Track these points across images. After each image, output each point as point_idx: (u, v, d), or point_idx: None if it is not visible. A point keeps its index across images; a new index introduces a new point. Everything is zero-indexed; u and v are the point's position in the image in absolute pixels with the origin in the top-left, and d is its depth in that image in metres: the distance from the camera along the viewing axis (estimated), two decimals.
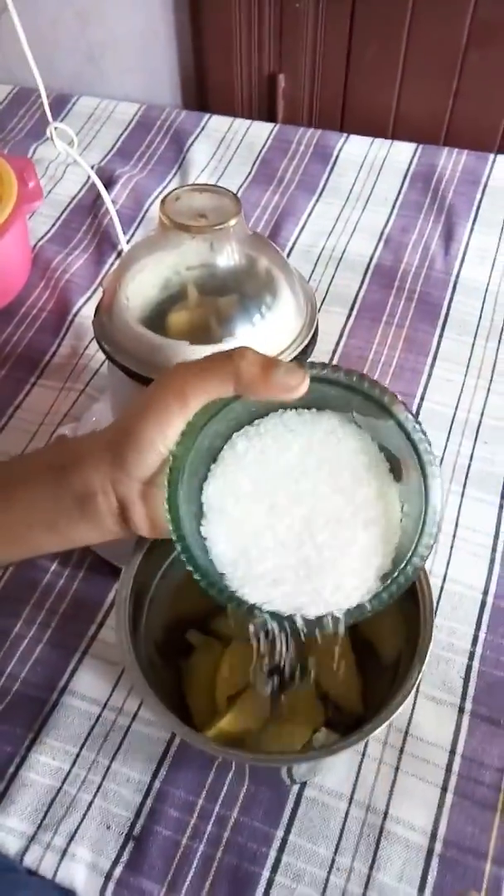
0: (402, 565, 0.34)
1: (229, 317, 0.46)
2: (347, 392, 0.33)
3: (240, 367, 0.32)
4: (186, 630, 0.46)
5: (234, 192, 0.86)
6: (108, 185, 0.86)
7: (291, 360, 0.33)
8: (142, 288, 0.46)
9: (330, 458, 0.35)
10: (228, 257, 0.45)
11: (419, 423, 0.34)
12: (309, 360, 0.38)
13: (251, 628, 0.35)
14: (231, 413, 0.34)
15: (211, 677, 0.44)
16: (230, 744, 0.38)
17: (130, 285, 0.46)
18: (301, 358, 0.48)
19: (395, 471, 0.36)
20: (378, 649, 0.43)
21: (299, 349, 0.47)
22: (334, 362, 0.72)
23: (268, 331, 0.46)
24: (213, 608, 0.47)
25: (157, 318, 0.46)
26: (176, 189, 0.44)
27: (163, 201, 0.43)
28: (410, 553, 0.34)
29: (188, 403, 0.32)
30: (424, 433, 0.34)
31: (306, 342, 0.48)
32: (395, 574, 0.34)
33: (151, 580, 0.40)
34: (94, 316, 0.48)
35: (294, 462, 0.35)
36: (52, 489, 0.34)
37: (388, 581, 0.34)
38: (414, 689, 0.48)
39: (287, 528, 0.34)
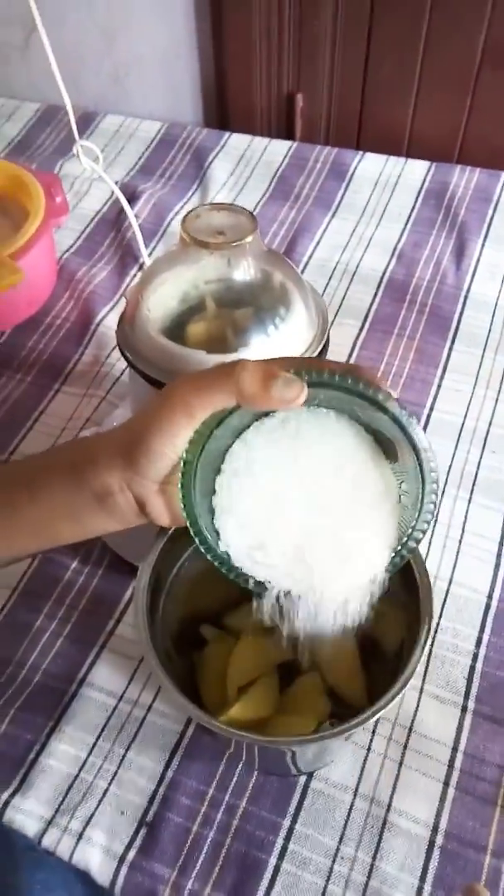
0: (405, 540, 0.37)
1: (245, 328, 0.48)
2: (343, 393, 0.36)
3: (241, 382, 0.34)
4: (200, 625, 0.48)
5: (252, 207, 0.90)
6: (132, 200, 0.89)
7: (291, 368, 0.34)
8: (162, 300, 0.49)
9: (331, 451, 0.37)
10: (244, 272, 0.48)
11: (413, 417, 0.36)
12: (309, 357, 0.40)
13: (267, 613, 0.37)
14: (237, 417, 0.36)
15: (222, 669, 0.46)
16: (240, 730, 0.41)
17: (152, 297, 0.49)
18: None
19: (391, 454, 0.38)
20: (381, 642, 0.45)
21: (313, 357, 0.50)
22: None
23: (281, 342, 0.49)
24: (227, 604, 0.50)
25: (176, 329, 0.49)
26: (196, 208, 0.47)
27: (184, 219, 0.46)
28: (412, 528, 0.37)
29: (194, 415, 0.35)
30: (418, 423, 0.36)
31: (317, 353, 0.50)
32: (399, 548, 0.37)
33: (167, 575, 0.43)
34: (118, 326, 0.51)
35: (299, 456, 0.37)
36: (72, 487, 0.36)
37: (393, 554, 0.37)
38: (419, 684, 0.50)
39: (296, 517, 0.37)
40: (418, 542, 0.38)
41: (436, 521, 0.64)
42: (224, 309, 0.50)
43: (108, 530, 0.38)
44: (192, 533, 0.36)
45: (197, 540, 0.37)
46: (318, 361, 0.36)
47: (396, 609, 0.42)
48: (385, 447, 0.38)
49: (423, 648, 0.39)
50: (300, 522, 0.37)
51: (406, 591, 0.41)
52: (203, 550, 0.37)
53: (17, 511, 0.37)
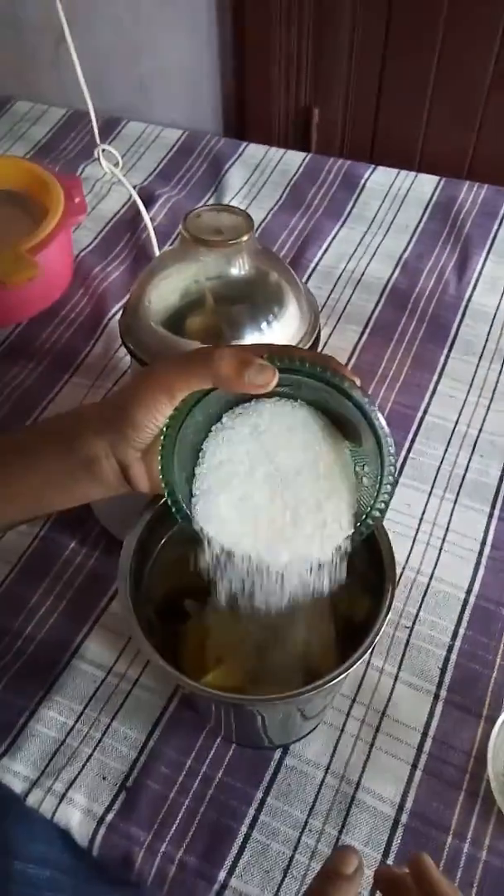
0: (365, 517, 0.40)
1: (240, 323, 0.51)
2: (313, 380, 0.38)
3: (218, 366, 0.37)
4: (184, 599, 0.51)
5: (265, 215, 0.93)
6: (149, 203, 0.93)
7: (266, 354, 0.37)
8: (164, 294, 0.52)
9: (295, 440, 0.40)
10: (241, 270, 0.51)
11: (374, 404, 0.39)
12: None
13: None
14: (214, 397, 0.39)
15: (202, 641, 0.49)
16: None
17: (154, 291, 0.52)
18: None
19: (355, 437, 0.41)
20: (353, 621, 0.48)
21: None
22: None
23: (273, 336, 0.52)
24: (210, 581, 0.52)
25: (175, 321, 0.52)
26: (198, 208, 0.50)
27: (185, 218, 0.49)
28: (371, 506, 0.40)
29: (174, 395, 0.38)
30: (378, 410, 0.39)
31: (308, 347, 0.53)
32: (359, 524, 0.41)
33: (153, 548, 0.45)
34: (121, 316, 0.54)
35: (266, 444, 0.40)
36: (61, 455, 0.40)
37: (354, 530, 0.41)
38: (394, 671, 0.52)
39: (263, 495, 0.40)
40: (378, 518, 0.41)
41: (421, 519, 0.66)
42: (221, 304, 0.53)
43: (94, 497, 0.41)
44: (168, 500, 0.39)
45: (173, 508, 0.40)
46: (290, 349, 0.39)
47: (366, 589, 0.44)
48: (349, 431, 0.41)
49: (384, 621, 0.41)
50: (267, 498, 0.40)
51: (374, 573, 0.44)
52: (178, 516, 0.40)
53: (11, 478, 0.40)
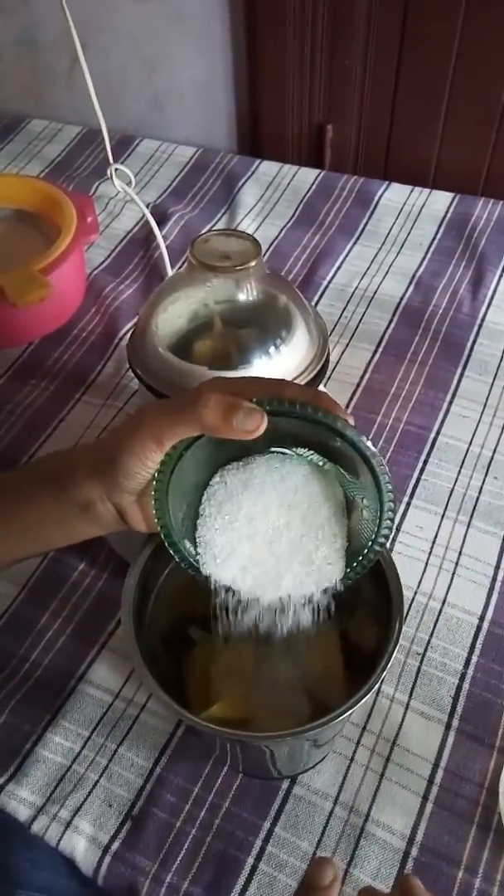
0: (366, 551, 0.40)
1: (248, 347, 0.51)
2: (304, 422, 0.38)
3: (203, 415, 0.36)
4: (189, 627, 0.51)
5: (278, 232, 0.93)
6: (162, 221, 0.93)
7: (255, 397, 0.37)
8: (171, 318, 0.52)
9: (287, 488, 0.40)
10: (249, 294, 0.51)
11: (368, 441, 0.38)
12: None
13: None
14: (206, 441, 0.39)
15: (208, 670, 0.48)
16: None
17: (161, 315, 0.52)
18: (313, 384, 0.52)
19: (353, 469, 0.40)
20: (362, 651, 0.47)
21: (310, 377, 0.52)
22: (358, 394, 0.76)
23: (282, 361, 0.51)
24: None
25: (183, 345, 0.51)
26: (205, 233, 0.50)
27: (193, 243, 0.49)
28: (372, 540, 0.40)
29: (163, 442, 0.38)
30: (373, 447, 0.38)
31: (316, 371, 0.52)
32: (361, 558, 0.40)
33: (157, 577, 0.45)
34: (129, 341, 0.54)
35: (263, 493, 0.40)
36: (56, 497, 0.40)
37: (355, 563, 0.41)
38: (405, 699, 0.51)
39: (259, 540, 0.40)
40: (378, 552, 0.41)
41: (434, 542, 0.65)
42: (229, 328, 0.52)
43: (95, 534, 0.41)
44: (165, 542, 0.40)
45: (171, 550, 0.40)
46: (281, 387, 0.38)
47: (374, 619, 0.44)
48: (347, 463, 0.40)
49: (392, 654, 0.40)
50: (261, 551, 0.40)
51: (382, 601, 0.43)
52: (176, 557, 0.40)
53: (7, 518, 0.41)
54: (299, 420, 0.37)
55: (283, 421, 0.38)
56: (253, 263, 0.48)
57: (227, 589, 0.40)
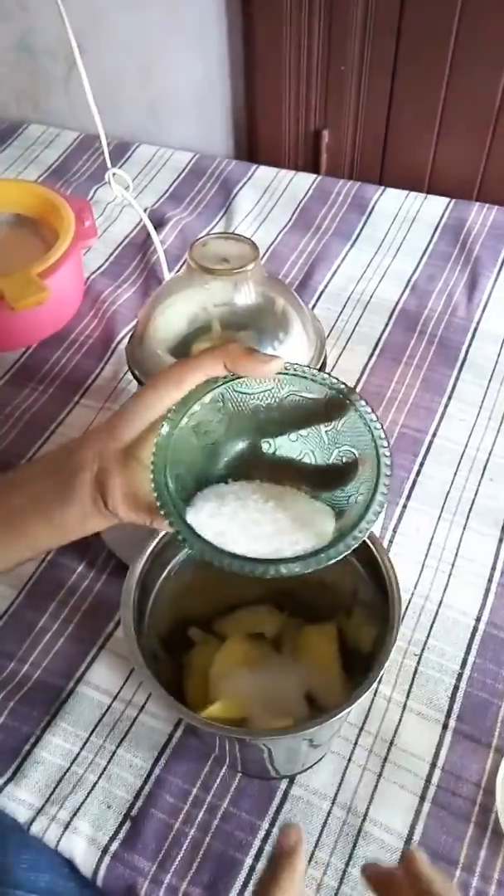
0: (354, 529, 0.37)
1: None
2: (314, 384, 0.39)
3: (230, 350, 0.38)
4: (189, 628, 0.51)
5: (274, 237, 0.93)
6: (159, 226, 0.93)
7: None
8: (170, 321, 0.53)
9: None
10: (247, 297, 0.51)
11: (375, 414, 0.38)
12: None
13: None
14: (214, 418, 0.39)
15: (207, 670, 0.49)
16: None
17: (160, 318, 0.52)
18: None
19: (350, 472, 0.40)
20: (360, 651, 0.47)
21: None
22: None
23: None
24: (216, 609, 0.52)
25: (181, 348, 0.52)
26: (203, 236, 0.50)
27: (191, 247, 0.50)
28: (361, 518, 0.37)
29: (183, 382, 0.38)
30: (379, 420, 0.38)
31: None
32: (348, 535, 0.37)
33: (157, 578, 0.45)
34: (128, 344, 0.54)
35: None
36: (51, 473, 0.39)
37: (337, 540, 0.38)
38: (403, 700, 0.51)
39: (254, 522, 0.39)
40: (372, 521, 0.37)
41: (430, 543, 0.66)
42: (228, 330, 0.53)
43: (73, 526, 0.39)
44: (157, 498, 0.37)
45: (159, 503, 0.37)
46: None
47: (372, 620, 0.44)
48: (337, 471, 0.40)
49: (388, 654, 0.41)
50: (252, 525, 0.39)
51: (380, 603, 0.43)
52: (164, 513, 0.37)
53: None
54: (308, 381, 0.38)
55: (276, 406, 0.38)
56: (251, 266, 0.49)
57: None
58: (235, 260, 0.49)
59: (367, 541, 0.44)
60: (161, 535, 0.44)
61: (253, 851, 0.51)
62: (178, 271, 0.90)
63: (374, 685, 0.40)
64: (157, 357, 0.51)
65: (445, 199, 0.97)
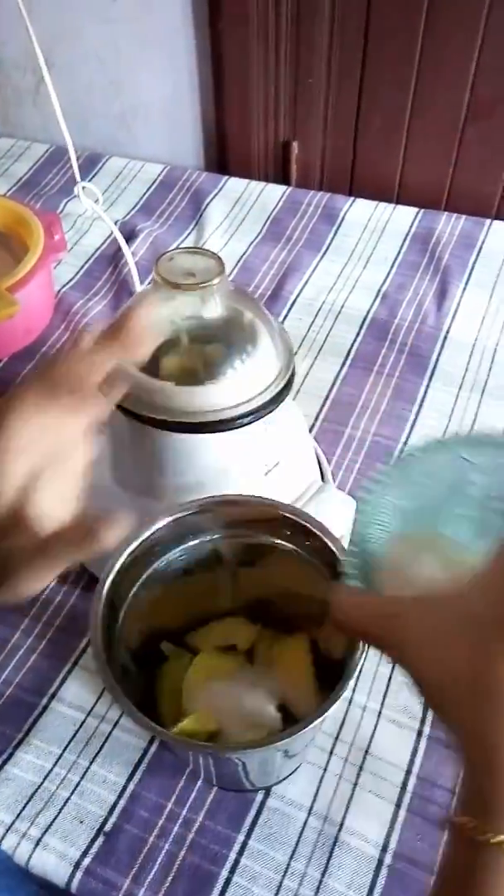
0: None
1: (214, 362, 0.52)
2: None
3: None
4: (161, 641, 0.51)
5: (245, 248, 0.94)
6: (130, 238, 0.94)
7: None
8: None
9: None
10: (214, 311, 0.51)
11: None
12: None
13: None
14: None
15: (180, 684, 0.49)
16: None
17: None
18: (279, 398, 0.53)
19: None
20: (333, 660, 0.47)
21: (276, 391, 0.53)
22: (327, 407, 0.77)
23: (248, 375, 0.52)
24: (188, 622, 0.52)
25: (150, 362, 0.52)
26: (169, 251, 0.51)
27: (157, 261, 0.50)
28: None
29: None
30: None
31: (282, 385, 0.53)
32: None
33: (127, 593, 0.45)
34: None
35: None
36: None
37: None
38: (377, 708, 0.52)
39: None
40: None
41: None
42: (196, 344, 0.53)
43: None
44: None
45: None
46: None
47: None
48: None
49: (357, 662, 0.41)
50: None
51: None
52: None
53: None
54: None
55: None
56: (216, 281, 0.49)
57: None
58: (201, 274, 0.49)
59: (332, 545, 0.44)
60: (130, 549, 0.44)
61: (228, 864, 0.51)
62: (148, 283, 0.90)
63: (345, 694, 0.40)
64: (124, 371, 0.51)
65: (414, 209, 0.98)
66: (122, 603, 0.44)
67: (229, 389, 0.51)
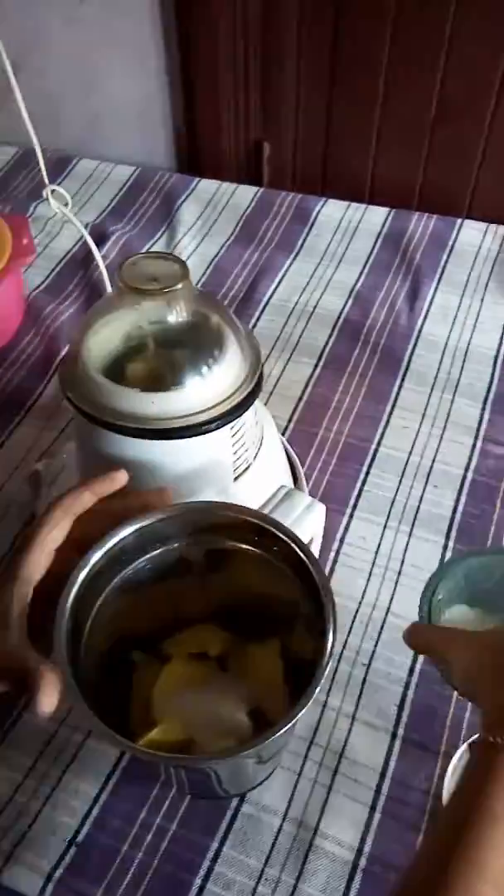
0: None
1: (181, 368, 0.51)
2: None
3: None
4: (131, 650, 0.50)
5: (218, 249, 0.93)
6: (101, 241, 0.93)
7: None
8: (102, 341, 0.52)
9: None
10: (178, 316, 0.51)
11: None
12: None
13: None
14: None
15: (150, 693, 0.48)
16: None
17: (93, 339, 0.52)
18: (247, 401, 0.52)
19: None
20: (304, 661, 0.47)
21: (244, 395, 0.52)
22: (300, 409, 0.77)
23: (215, 380, 0.52)
24: (161, 630, 0.52)
25: (115, 368, 0.51)
26: (133, 256, 0.50)
27: (120, 267, 0.49)
28: None
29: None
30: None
31: (250, 389, 0.53)
32: None
33: (92, 604, 0.44)
34: (60, 365, 0.54)
35: None
36: None
37: None
38: (352, 711, 0.51)
39: None
40: None
41: (377, 552, 0.66)
42: (162, 349, 0.53)
43: None
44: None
45: None
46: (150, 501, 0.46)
47: (312, 632, 0.44)
48: None
49: (324, 667, 0.41)
50: None
51: (318, 614, 0.43)
52: None
53: None
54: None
55: None
56: (180, 286, 0.49)
57: None
58: (165, 279, 0.49)
59: (299, 550, 0.44)
60: (90, 563, 0.43)
61: (202, 872, 0.51)
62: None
63: (320, 698, 0.40)
64: (90, 378, 0.51)
65: (386, 209, 0.98)
66: (87, 615, 0.44)
67: (196, 395, 0.51)
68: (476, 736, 0.47)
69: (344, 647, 0.61)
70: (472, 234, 0.94)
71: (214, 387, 0.52)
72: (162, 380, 0.51)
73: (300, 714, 0.40)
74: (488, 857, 0.33)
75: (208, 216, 0.98)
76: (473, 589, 0.53)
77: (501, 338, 0.83)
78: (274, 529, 0.45)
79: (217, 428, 0.51)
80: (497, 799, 0.34)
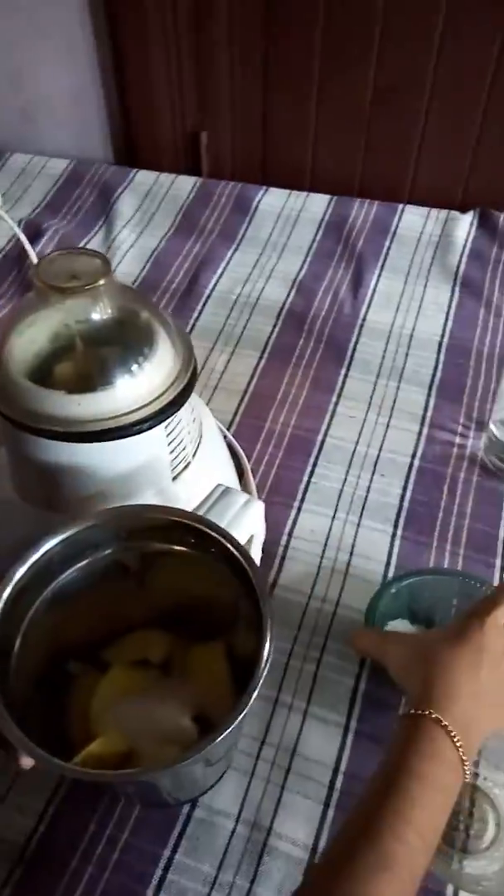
0: None
1: (110, 366, 0.49)
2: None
3: None
4: (67, 661, 0.49)
5: (158, 242, 0.91)
6: (37, 236, 0.90)
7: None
8: (26, 343, 0.50)
9: None
10: (104, 313, 0.49)
11: None
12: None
13: None
14: None
15: (88, 705, 0.47)
16: (103, 766, 0.41)
17: (16, 341, 0.50)
18: (182, 397, 0.51)
19: None
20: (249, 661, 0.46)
21: (178, 391, 0.51)
22: (245, 402, 0.76)
23: (146, 377, 0.50)
24: (100, 638, 0.50)
25: (41, 370, 0.49)
26: (51, 253, 0.48)
27: (37, 265, 0.47)
28: None
29: None
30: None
31: (184, 385, 0.51)
32: None
33: (22, 619, 0.43)
34: None
35: None
36: None
37: None
38: (304, 706, 0.50)
39: None
40: None
41: (326, 544, 0.65)
42: (90, 348, 0.51)
43: None
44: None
45: None
46: None
47: (254, 630, 0.43)
48: None
49: (262, 664, 0.40)
50: None
51: (256, 612, 0.42)
52: None
53: None
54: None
55: None
56: (102, 282, 0.47)
57: None
58: (85, 276, 0.47)
59: (234, 549, 0.43)
60: (14, 580, 0.41)
61: (154, 881, 0.49)
62: None
63: (270, 695, 0.39)
64: (14, 382, 0.49)
65: (327, 197, 0.97)
66: (17, 631, 0.42)
67: (126, 394, 0.49)
68: (402, 709, 0.53)
69: (294, 642, 0.60)
70: (413, 219, 0.94)
71: (146, 385, 0.50)
72: (91, 380, 0.49)
73: (241, 716, 0.39)
74: (412, 809, 0.39)
75: (147, 208, 0.96)
76: (415, 606, 0.60)
77: (445, 323, 0.83)
78: (208, 530, 0.44)
79: (150, 427, 0.50)
80: (419, 759, 0.41)
